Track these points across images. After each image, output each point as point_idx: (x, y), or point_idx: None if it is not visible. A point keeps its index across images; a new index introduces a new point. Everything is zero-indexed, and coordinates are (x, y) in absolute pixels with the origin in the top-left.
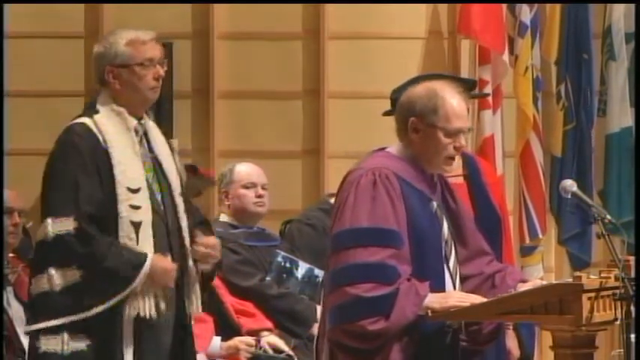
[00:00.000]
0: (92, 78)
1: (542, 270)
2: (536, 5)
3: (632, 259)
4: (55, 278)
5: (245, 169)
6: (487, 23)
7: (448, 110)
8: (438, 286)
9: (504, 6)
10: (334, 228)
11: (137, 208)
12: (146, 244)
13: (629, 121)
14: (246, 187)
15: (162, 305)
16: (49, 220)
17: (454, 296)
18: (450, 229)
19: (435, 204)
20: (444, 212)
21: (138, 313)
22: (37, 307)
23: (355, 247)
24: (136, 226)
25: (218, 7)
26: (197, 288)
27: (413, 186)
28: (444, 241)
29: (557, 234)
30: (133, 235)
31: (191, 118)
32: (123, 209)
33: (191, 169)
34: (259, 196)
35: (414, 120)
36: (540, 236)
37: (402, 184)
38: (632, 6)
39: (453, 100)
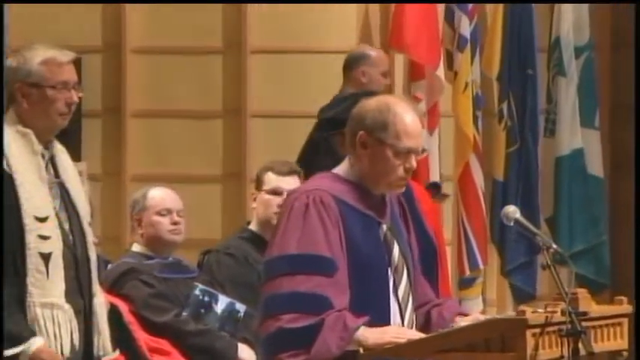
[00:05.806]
0: None
1: (482, 303)
2: (476, 17)
3: (580, 291)
4: None
5: (159, 194)
6: (420, 36)
7: (399, 127)
8: (382, 316)
9: (441, 18)
10: (265, 256)
11: (46, 238)
12: (56, 277)
13: (579, 142)
14: (160, 213)
15: (77, 343)
16: None
17: (390, 332)
18: (402, 255)
19: (384, 227)
20: (398, 237)
21: None
22: None
23: (282, 276)
24: (46, 257)
25: (131, 19)
26: (105, 325)
27: (356, 209)
28: (392, 268)
29: (500, 265)
30: (43, 268)
31: (101, 139)
32: (31, 240)
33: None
34: (175, 223)
35: (363, 134)
36: (481, 267)
37: (341, 207)
38: (583, 16)
39: (405, 116)
